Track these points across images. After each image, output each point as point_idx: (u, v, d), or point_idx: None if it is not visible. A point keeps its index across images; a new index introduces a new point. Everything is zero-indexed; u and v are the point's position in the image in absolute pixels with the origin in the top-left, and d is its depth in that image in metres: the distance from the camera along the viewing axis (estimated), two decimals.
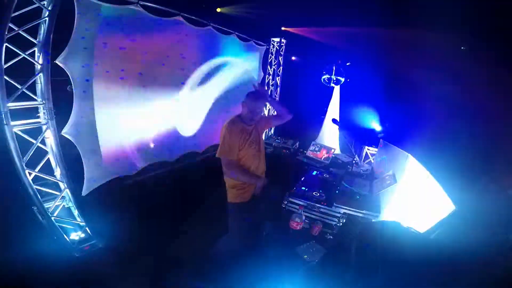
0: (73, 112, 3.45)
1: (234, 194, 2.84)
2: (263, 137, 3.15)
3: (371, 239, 1.67)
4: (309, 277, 2.22)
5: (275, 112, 3.16)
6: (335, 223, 3.02)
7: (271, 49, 7.88)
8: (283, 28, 7.45)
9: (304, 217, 2.86)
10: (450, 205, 2.68)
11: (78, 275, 2.99)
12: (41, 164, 3.12)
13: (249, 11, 6.04)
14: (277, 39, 7.76)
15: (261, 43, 7.40)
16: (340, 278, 1.75)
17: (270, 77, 8.07)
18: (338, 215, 3.07)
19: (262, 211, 2.99)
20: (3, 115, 2.67)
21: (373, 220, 2.99)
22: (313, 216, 3.11)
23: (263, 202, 2.92)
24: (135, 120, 4.43)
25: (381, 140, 5.04)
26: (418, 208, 3.01)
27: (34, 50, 2.89)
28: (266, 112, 7.82)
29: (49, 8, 2.80)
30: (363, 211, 3.07)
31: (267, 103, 2.90)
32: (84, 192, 3.78)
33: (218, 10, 5.88)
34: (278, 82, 8.22)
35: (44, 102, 2.98)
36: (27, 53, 2.82)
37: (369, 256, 1.60)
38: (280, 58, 8.03)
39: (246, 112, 2.74)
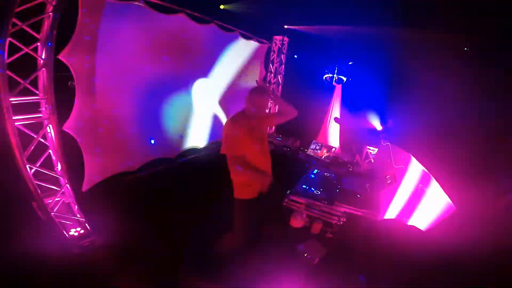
0: (74, 107, 3.45)
1: (241, 191, 2.79)
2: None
3: (376, 238, 1.68)
4: (311, 275, 2.22)
5: (279, 109, 3.09)
6: (335, 221, 3.02)
7: (273, 47, 7.86)
8: (285, 26, 7.43)
9: (305, 215, 2.87)
10: (451, 205, 2.68)
11: (76, 271, 2.99)
12: (41, 159, 3.12)
13: (252, 9, 6.02)
14: (280, 37, 7.75)
15: (263, 41, 7.38)
16: (344, 276, 1.75)
17: (272, 75, 8.05)
18: (339, 213, 3.07)
19: (265, 208, 2.96)
20: (5, 109, 2.66)
21: (376, 219, 2.99)
22: (313, 214, 3.11)
23: (267, 200, 2.88)
24: (136, 116, 4.43)
25: (382, 140, 5.04)
26: (418, 208, 3.02)
27: (37, 45, 2.88)
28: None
29: (53, 3, 2.78)
30: (364, 210, 3.08)
31: (271, 100, 2.86)
32: (84, 187, 3.78)
33: (222, 7, 5.87)
34: (280, 80, 8.21)
35: (46, 97, 2.97)
36: (30, 48, 2.81)
37: (375, 255, 1.60)
38: (282, 56, 8.01)
39: (249, 107, 2.71)
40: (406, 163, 3.66)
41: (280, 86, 8.26)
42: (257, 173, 2.74)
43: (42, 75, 2.92)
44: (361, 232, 2.42)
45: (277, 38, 7.77)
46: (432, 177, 3.09)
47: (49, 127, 3.08)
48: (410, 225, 2.21)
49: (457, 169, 3.25)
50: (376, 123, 6.83)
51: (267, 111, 2.87)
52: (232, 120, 2.70)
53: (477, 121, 4.55)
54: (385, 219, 2.95)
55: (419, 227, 2.48)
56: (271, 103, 7.35)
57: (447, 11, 4.65)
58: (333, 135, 7.18)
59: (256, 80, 2.95)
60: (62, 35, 3.07)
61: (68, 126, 3.40)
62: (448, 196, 2.76)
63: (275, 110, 7.76)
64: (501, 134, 4.22)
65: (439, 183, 2.96)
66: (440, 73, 5.62)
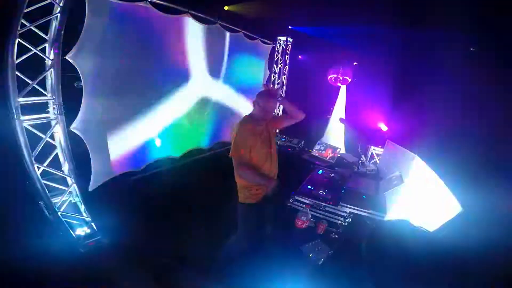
0: (81, 108, 3.47)
1: (245, 195, 2.78)
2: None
3: (383, 238, 1.68)
4: (316, 276, 2.22)
5: (286, 112, 3.06)
6: (340, 222, 3.02)
7: (278, 48, 7.87)
8: (290, 27, 7.44)
9: (310, 216, 2.87)
10: (457, 206, 2.67)
11: (82, 271, 3.01)
12: (49, 159, 3.15)
13: (256, 10, 6.03)
14: (284, 38, 7.75)
15: (267, 41, 7.40)
16: (349, 276, 1.75)
17: (276, 76, 8.07)
18: (344, 214, 3.06)
19: (270, 211, 2.96)
20: (14, 110, 2.70)
21: (384, 219, 2.97)
22: (318, 215, 3.11)
23: (272, 203, 2.88)
24: (142, 116, 4.46)
25: (387, 140, 5.02)
26: (424, 208, 3.00)
27: (45, 46, 2.91)
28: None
29: (61, 4, 2.82)
30: (369, 211, 3.07)
31: (278, 102, 2.84)
32: (91, 187, 3.80)
33: (226, 8, 5.88)
34: (284, 81, 8.21)
35: (54, 97, 3.01)
36: (38, 49, 2.84)
37: (381, 255, 1.60)
38: (286, 57, 8.02)
39: (257, 111, 2.70)
40: (412, 164, 3.64)
41: (284, 87, 8.27)
42: (263, 177, 2.73)
43: (50, 76, 2.96)
44: (368, 232, 2.42)
45: (281, 38, 7.79)
46: (438, 177, 3.08)
47: (57, 127, 3.11)
48: (416, 226, 2.21)
49: (464, 170, 3.24)
50: (381, 123, 6.81)
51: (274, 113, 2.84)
52: (240, 123, 2.69)
53: (484, 121, 4.53)
54: (391, 219, 2.94)
55: (425, 228, 2.48)
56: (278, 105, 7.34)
57: (455, 10, 4.62)
58: (338, 136, 7.17)
59: (265, 84, 2.94)
60: (70, 36, 3.10)
61: (75, 126, 3.42)
62: (455, 197, 2.75)
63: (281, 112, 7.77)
64: (508, 135, 4.20)
65: (445, 184, 2.95)
66: (445, 73, 5.60)
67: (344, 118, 6.83)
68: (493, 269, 1.78)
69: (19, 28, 2.65)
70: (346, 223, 2.98)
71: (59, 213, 3.22)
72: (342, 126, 7.03)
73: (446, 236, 2.44)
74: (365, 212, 3.08)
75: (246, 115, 2.79)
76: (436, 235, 2.50)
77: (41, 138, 3.01)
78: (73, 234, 3.32)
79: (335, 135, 7.23)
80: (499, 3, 4.55)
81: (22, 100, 2.77)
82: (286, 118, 3.07)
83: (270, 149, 2.81)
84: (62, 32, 2.91)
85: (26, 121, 2.85)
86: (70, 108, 3.26)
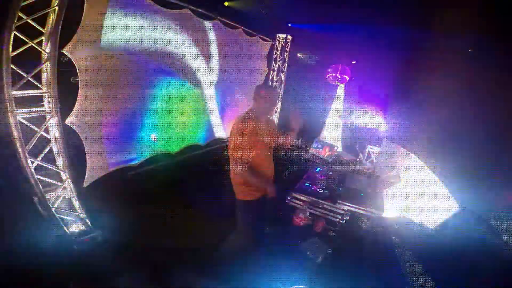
0: (77, 102, 3.41)
1: (243, 192, 2.72)
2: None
3: (383, 235, 1.66)
4: (318, 274, 2.20)
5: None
6: (338, 219, 3.00)
7: (277, 45, 7.83)
8: (289, 24, 7.40)
9: (308, 213, 2.85)
10: (454, 205, 2.66)
11: (76, 268, 2.97)
12: (43, 153, 3.09)
13: (256, 6, 5.99)
14: (283, 35, 7.71)
15: (267, 38, 7.36)
16: (351, 273, 1.73)
17: (275, 73, 8.03)
18: (342, 212, 3.05)
19: (269, 208, 2.92)
20: (8, 103, 2.65)
21: (381, 217, 2.95)
22: (316, 212, 3.10)
23: (271, 200, 2.83)
24: (138, 111, 4.41)
25: (384, 139, 5.02)
26: (422, 206, 2.99)
27: (41, 39, 2.86)
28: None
29: None
30: (367, 209, 3.05)
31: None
32: (86, 183, 3.75)
33: (226, 4, 5.83)
34: (283, 78, 8.18)
35: (49, 90, 2.95)
36: (35, 41, 2.78)
37: (381, 252, 1.59)
38: (285, 54, 7.98)
39: (261, 106, 2.63)
40: (409, 163, 3.64)
41: (283, 84, 8.23)
42: (261, 180, 2.68)
43: (46, 69, 2.91)
44: (366, 230, 2.40)
45: (281, 36, 7.75)
46: (435, 176, 3.08)
47: (52, 121, 3.06)
48: (415, 222, 2.19)
49: (462, 169, 3.22)
50: (379, 122, 6.80)
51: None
52: (241, 118, 2.62)
53: (481, 122, 4.52)
54: (390, 217, 2.93)
55: (425, 225, 2.47)
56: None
57: (454, 11, 4.61)
58: (336, 134, 7.16)
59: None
60: (67, 29, 3.04)
61: (70, 120, 3.37)
62: (452, 195, 2.75)
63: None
64: (505, 134, 4.20)
65: (442, 183, 2.95)
66: (444, 73, 5.59)
67: (341, 116, 6.83)
68: (492, 267, 1.77)
69: (15, 21, 2.60)
70: (344, 221, 2.96)
71: (53, 209, 3.17)
72: (339, 124, 7.03)
73: (445, 233, 2.43)
74: (362, 210, 3.07)
75: (246, 111, 2.70)
76: (435, 232, 2.49)
77: (35, 132, 2.95)
78: (67, 231, 3.27)
79: (333, 133, 7.23)
80: (498, 4, 4.55)
81: (17, 93, 2.72)
82: (279, 133, 2.96)
83: (269, 149, 2.76)
84: (60, 25, 2.86)
85: (20, 114, 2.80)
86: (65, 102, 3.20)
